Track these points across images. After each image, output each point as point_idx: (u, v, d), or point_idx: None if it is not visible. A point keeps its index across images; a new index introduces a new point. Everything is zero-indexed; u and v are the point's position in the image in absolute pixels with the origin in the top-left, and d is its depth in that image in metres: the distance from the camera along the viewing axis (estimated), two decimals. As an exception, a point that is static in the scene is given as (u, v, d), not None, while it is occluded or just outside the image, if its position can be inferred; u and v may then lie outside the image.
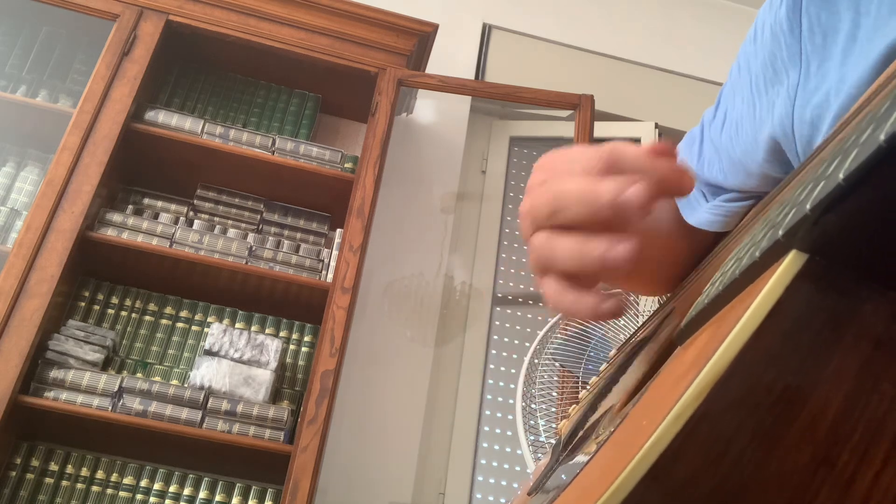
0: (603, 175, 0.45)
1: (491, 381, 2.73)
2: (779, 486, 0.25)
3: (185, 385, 2.15)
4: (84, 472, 2.11)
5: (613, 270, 0.44)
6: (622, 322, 2.13)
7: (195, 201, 2.50)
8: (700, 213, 0.68)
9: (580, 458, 0.50)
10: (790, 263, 0.25)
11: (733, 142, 0.62)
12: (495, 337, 2.80)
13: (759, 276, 0.28)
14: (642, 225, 0.59)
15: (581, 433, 0.58)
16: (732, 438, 0.25)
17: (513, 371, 2.74)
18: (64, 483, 2.10)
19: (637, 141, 2.99)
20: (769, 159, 0.57)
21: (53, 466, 2.10)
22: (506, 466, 2.63)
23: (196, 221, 2.43)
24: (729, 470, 0.25)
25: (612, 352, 0.81)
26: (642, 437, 0.27)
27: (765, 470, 0.25)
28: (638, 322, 2.07)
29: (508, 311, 2.86)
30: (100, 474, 2.12)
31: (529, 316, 2.86)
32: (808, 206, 0.24)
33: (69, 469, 2.11)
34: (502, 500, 2.57)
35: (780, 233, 0.25)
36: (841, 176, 0.22)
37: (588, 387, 0.82)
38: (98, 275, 2.34)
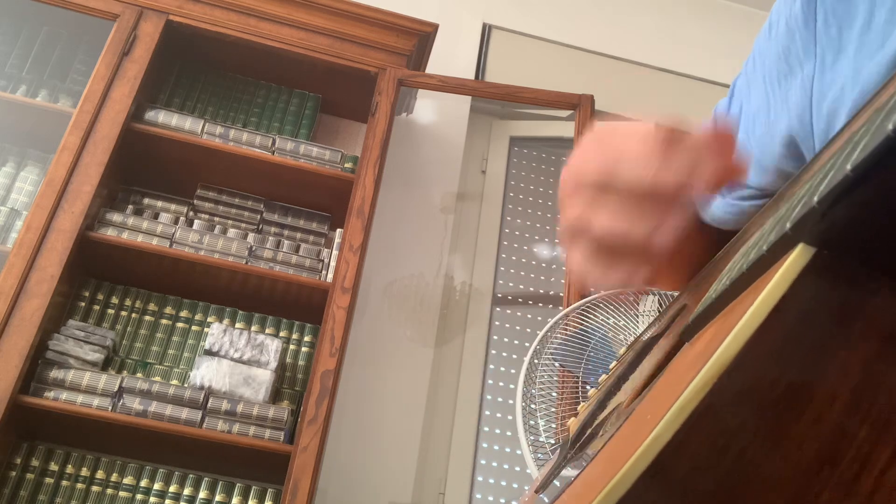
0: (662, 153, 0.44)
1: (491, 381, 2.73)
2: (782, 482, 0.25)
3: (185, 385, 2.15)
4: (84, 472, 2.11)
5: (654, 251, 0.43)
6: (622, 322, 2.12)
7: (195, 201, 2.50)
8: (713, 209, 0.67)
9: (587, 454, 0.50)
10: (797, 257, 0.25)
11: (749, 137, 0.61)
12: (495, 337, 2.80)
13: (767, 271, 0.28)
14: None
15: (589, 431, 0.58)
16: (736, 433, 0.25)
17: (513, 371, 2.73)
18: (64, 483, 2.09)
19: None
20: (785, 154, 0.56)
21: (53, 466, 2.10)
22: (506, 466, 2.62)
23: (196, 221, 2.42)
24: (732, 465, 0.25)
25: (622, 350, 0.81)
26: (646, 431, 0.27)
27: (768, 466, 0.25)
28: (637, 322, 2.07)
29: (508, 311, 2.85)
30: (100, 474, 2.11)
31: (529, 316, 2.85)
32: (815, 199, 0.23)
33: (69, 469, 2.11)
34: (502, 501, 2.57)
35: (788, 226, 0.25)
36: (848, 167, 0.22)
37: (590, 385, 0.81)
38: (98, 275, 2.34)
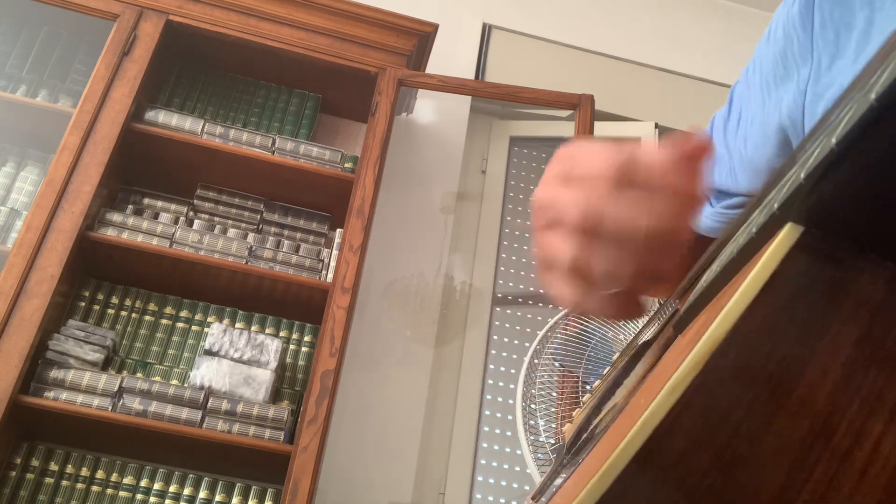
0: (620, 185, 0.46)
1: (491, 381, 2.73)
2: (777, 457, 0.25)
3: (185, 385, 2.15)
4: (84, 472, 2.11)
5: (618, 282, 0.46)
6: (622, 322, 2.12)
7: (195, 201, 2.50)
8: (702, 218, 0.68)
9: (583, 458, 0.50)
10: (786, 236, 0.25)
11: (746, 141, 0.61)
12: (495, 337, 2.80)
13: (757, 253, 0.28)
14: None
15: (585, 435, 0.58)
16: (729, 410, 0.25)
17: (513, 371, 2.73)
18: (64, 483, 2.09)
19: (637, 141, 2.99)
20: (780, 154, 0.56)
21: (53, 466, 2.10)
22: (506, 466, 2.62)
23: (196, 221, 2.42)
24: (726, 442, 0.25)
25: (615, 356, 0.81)
26: (639, 414, 0.27)
27: (762, 442, 0.25)
28: (638, 321, 2.07)
29: (508, 311, 2.85)
30: (100, 474, 2.11)
31: (529, 316, 2.85)
32: (802, 175, 0.23)
33: (69, 469, 2.11)
34: (502, 501, 2.57)
35: (776, 206, 0.25)
36: (833, 140, 0.22)
37: (590, 385, 0.81)
38: (98, 275, 2.34)
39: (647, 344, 0.59)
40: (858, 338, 0.24)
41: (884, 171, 0.23)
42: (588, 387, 2.03)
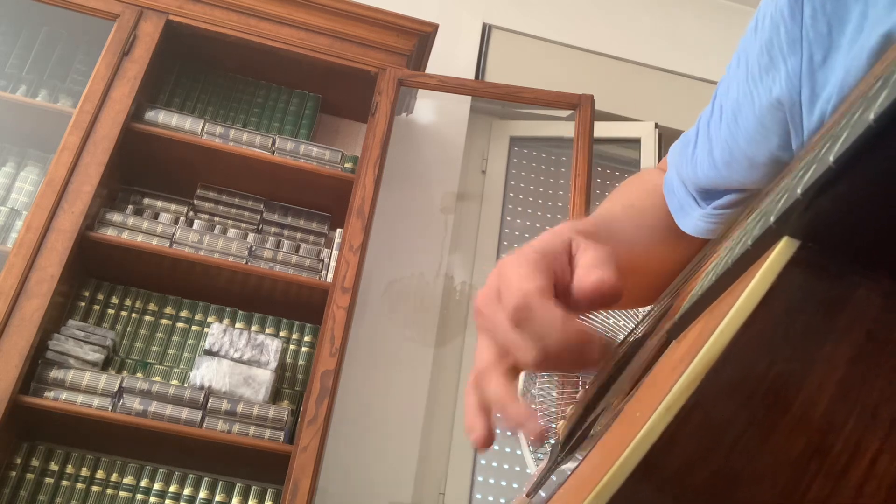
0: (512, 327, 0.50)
1: (491, 381, 2.73)
2: (773, 475, 0.25)
3: (185, 385, 2.15)
4: (84, 472, 2.11)
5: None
6: (622, 322, 2.12)
7: (195, 201, 2.50)
8: (693, 219, 0.67)
9: (577, 457, 0.50)
10: (782, 250, 0.25)
11: (733, 133, 0.60)
12: (495, 337, 2.79)
13: (752, 265, 0.28)
14: (620, 248, 0.61)
15: (579, 433, 0.58)
16: (725, 427, 0.25)
17: (513, 371, 2.73)
18: (64, 483, 2.09)
19: (637, 141, 2.99)
20: (779, 145, 0.56)
21: (53, 466, 2.10)
22: (506, 466, 2.62)
23: (196, 221, 2.42)
24: (722, 459, 0.25)
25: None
26: (635, 429, 0.27)
27: (758, 459, 0.25)
28: (638, 319, 2.06)
29: (509, 311, 2.85)
30: (100, 474, 2.11)
31: (530, 316, 2.85)
32: (798, 191, 0.23)
33: (69, 469, 2.11)
34: (502, 501, 2.57)
35: (772, 219, 0.25)
36: (831, 158, 0.22)
37: (586, 386, 0.81)
38: (98, 275, 2.34)
39: (641, 340, 0.59)
40: (854, 354, 0.24)
41: (881, 190, 0.23)
42: (586, 386, 2.03)
